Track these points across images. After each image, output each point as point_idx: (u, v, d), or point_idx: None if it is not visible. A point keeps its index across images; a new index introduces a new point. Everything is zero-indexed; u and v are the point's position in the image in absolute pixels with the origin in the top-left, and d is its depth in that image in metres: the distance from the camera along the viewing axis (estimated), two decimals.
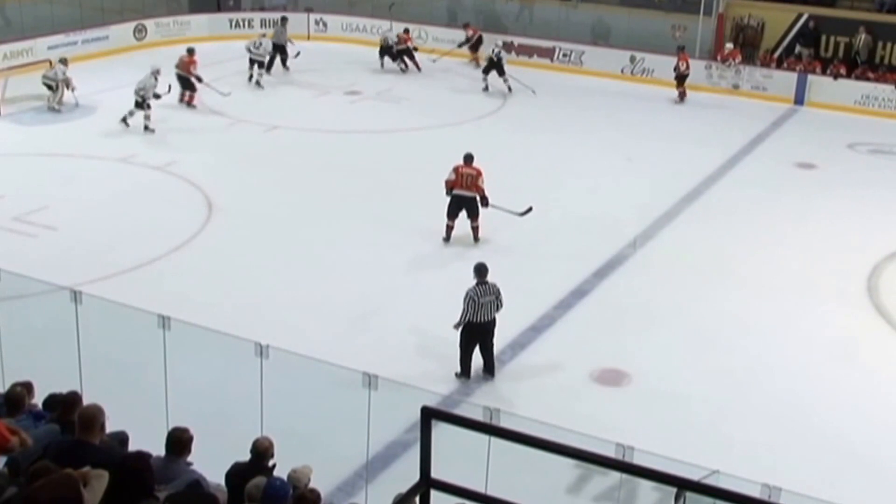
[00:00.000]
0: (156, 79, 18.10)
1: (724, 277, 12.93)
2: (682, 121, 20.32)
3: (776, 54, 22.91)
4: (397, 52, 23.67)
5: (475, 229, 13.22)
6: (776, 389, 10.34)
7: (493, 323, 10.04)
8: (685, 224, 14.79)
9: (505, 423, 4.95)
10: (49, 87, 19.03)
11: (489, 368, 10.20)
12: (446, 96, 21.69)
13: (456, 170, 13.11)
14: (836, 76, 21.66)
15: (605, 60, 23.61)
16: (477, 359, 10.21)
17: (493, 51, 21.90)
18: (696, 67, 22.41)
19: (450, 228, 13.19)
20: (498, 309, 10.05)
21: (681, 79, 21.65)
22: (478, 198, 13.14)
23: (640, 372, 10.52)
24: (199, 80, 19.43)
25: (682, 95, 21.68)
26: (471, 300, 9.86)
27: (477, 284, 9.98)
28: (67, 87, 19.04)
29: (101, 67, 21.57)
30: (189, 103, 19.49)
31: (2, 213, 14.06)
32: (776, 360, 10.95)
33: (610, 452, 5.36)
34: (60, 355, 8.70)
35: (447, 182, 13.08)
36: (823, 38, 22.58)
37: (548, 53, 24.46)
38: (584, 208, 15.08)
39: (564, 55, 24.29)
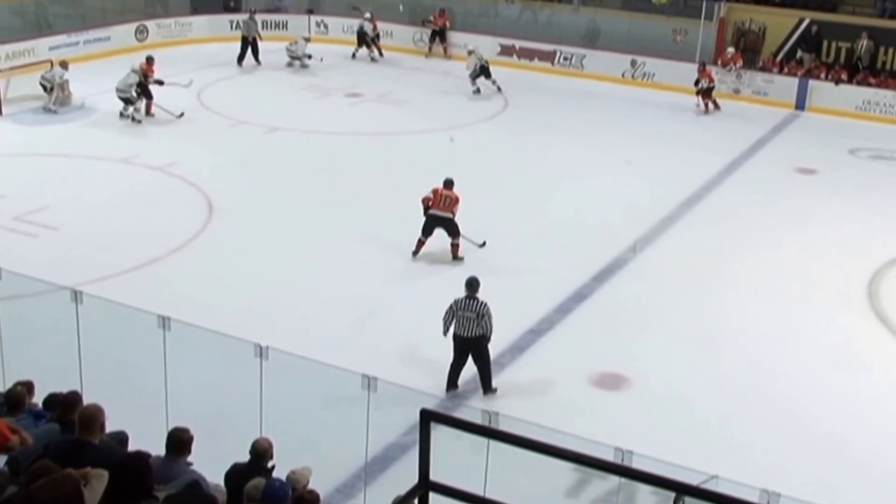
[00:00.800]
0: (137, 74, 18.50)
1: (723, 282, 12.94)
2: (683, 125, 20.33)
3: (778, 59, 22.91)
4: (371, 40, 24.72)
5: (454, 247, 13.15)
6: (776, 394, 10.34)
7: (477, 340, 9.79)
8: (685, 228, 14.80)
9: (503, 427, 4.97)
10: (45, 88, 19.06)
11: (485, 386, 9.99)
12: (447, 99, 21.68)
13: (435, 191, 13.06)
14: (837, 81, 21.68)
15: (606, 64, 23.61)
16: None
17: (479, 58, 21.95)
18: (695, 71, 22.44)
19: (421, 244, 13.11)
20: (485, 329, 9.78)
21: (706, 92, 21.26)
22: (454, 218, 13.06)
23: (640, 376, 10.53)
24: (160, 83, 19.20)
25: (713, 105, 21.26)
26: (449, 308, 9.85)
27: (465, 297, 9.85)
28: (63, 91, 19.07)
29: (103, 68, 21.55)
30: (148, 112, 18.99)
31: (3, 213, 14.07)
32: (776, 364, 10.95)
33: (609, 456, 5.38)
34: (61, 355, 8.71)
35: (424, 200, 13.03)
36: (825, 43, 22.59)
37: (548, 57, 24.46)
38: (584, 212, 15.09)
39: (565, 58, 24.30)
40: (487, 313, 9.79)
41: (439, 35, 25.25)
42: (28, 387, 7.35)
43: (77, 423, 5.81)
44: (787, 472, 8.73)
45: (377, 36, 25.06)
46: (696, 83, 21.25)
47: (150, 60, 19.61)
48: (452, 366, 9.97)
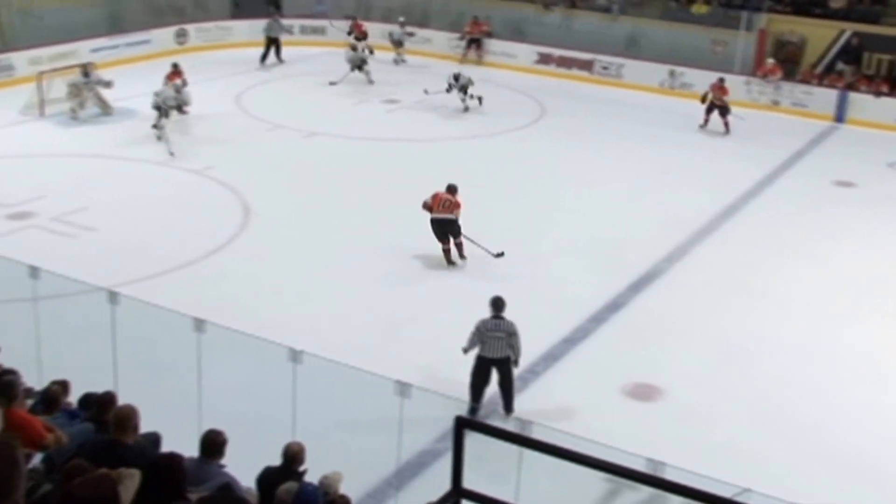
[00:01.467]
0: (177, 91, 18.59)
1: (759, 295, 12.81)
2: (720, 136, 20.17)
3: (817, 70, 22.67)
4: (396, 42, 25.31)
5: (459, 246, 13.17)
6: (808, 409, 10.21)
7: (504, 361, 9.57)
8: (721, 240, 14.68)
9: (536, 435, 4.93)
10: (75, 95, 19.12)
11: (506, 406, 9.71)
12: (485, 106, 21.66)
13: (435, 195, 13.14)
14: (877, 94, 21.42)
15: (644, 74, 23.53)
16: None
17: (461, 78, 21.17)
18: (736, 83, 22.25)
19: (447, 252, 13.15)
20: (514, 351, 9.59)
21: (722, 111, 20.25)
22: (455, 219, 13.04)
23: (673, 387, 10.45)
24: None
25: (725, 126, 20.26)
26: (477, 330, 9.56)
27: (491, 317, 9.63)
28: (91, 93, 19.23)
29: (143, 71, 21.82)
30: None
31: (42, 213, 14.27)
32: (809, 379, 10.82)
33: (640, 467, 5.32)
34: (96, 355, 8.80)
35: (424, 204, 13.10)
36: (866, 55, 22.34)
37: (587, 65, 24.41)
38: (620, 221, 15.01)
39: (604, 67, 24.23)
40: (516, 332, 9.60)
41: (476, 42, 25.56)
42: (64, 386, 7.44)
43: (112, 423, 5.85)
44: (816, 488, 8.62)
45: (403, 40, 25.44)
46: (704, 98, 20.32)
47: (176, 67, 19.79)
48: (476, 385, 9.58)
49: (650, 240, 14.30)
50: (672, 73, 23.33)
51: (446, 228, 13.08)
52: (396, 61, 25.23)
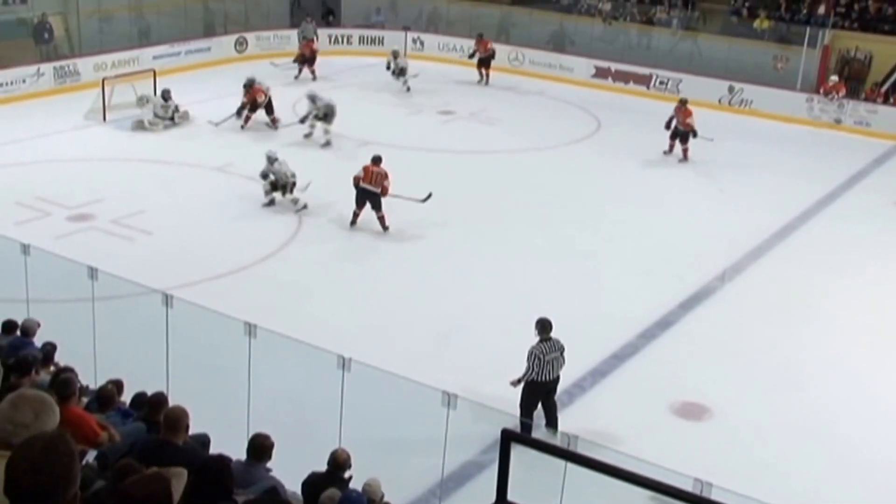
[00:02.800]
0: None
1: (813, 316, 12.61)
2: (779, 154, 19.87)
3: (883, 88, 22.23)
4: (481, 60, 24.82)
5: (381, 219, 14.42)
6: (861, 435, 10.00)
7: (557, 380, 9.52)
8: (776, 259, 14.48)
9: (582, 450, 4.92)
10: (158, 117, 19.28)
11: (552, 424, 9.51)
12: (539, 119, 21.68)
13: (365, 168, 14.42)
14: None
15: (703, 89, 23.22)
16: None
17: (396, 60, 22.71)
18: (798, 101, 21.93)
19: (356, 215, 14.56)
20: (561, 366, 9.55)
21: (682, 136, 18.67)
22: (381, 193, 14.35)
23: (722, 407, 10.31)
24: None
25: (684, 153, 18.80)
26: (536, 358, 9.29)
27: (540, 341, 9.40)
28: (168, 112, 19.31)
29: (203, 78, 22.17)
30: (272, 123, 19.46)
31: (101, 216, 14.56)
32: (862, 405, 10.60)
33: (687, 487, 5.26)
34: (150, 356, 8.95)
35: (355, 178, 14.38)
36: None
37: (644, 80, 24.25)
38: (674, 238, 14.88)
39: (661, 82, 24.04)
40: (564, 347, 9.49)
41: (484, 63, 24.54)
42: (118, 385, 7.58)
43: (162, 424, 5.94)
44: None
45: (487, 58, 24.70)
46: (668, 124, 18.90)
47: (249, 86, 19.30)
48: (529, 413, 9.37)
49: (704, 257, 14.15)
50: (731, 89, 23.06)
51: (371, 199, 14.38)
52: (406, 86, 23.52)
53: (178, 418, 5.86)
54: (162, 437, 5.87)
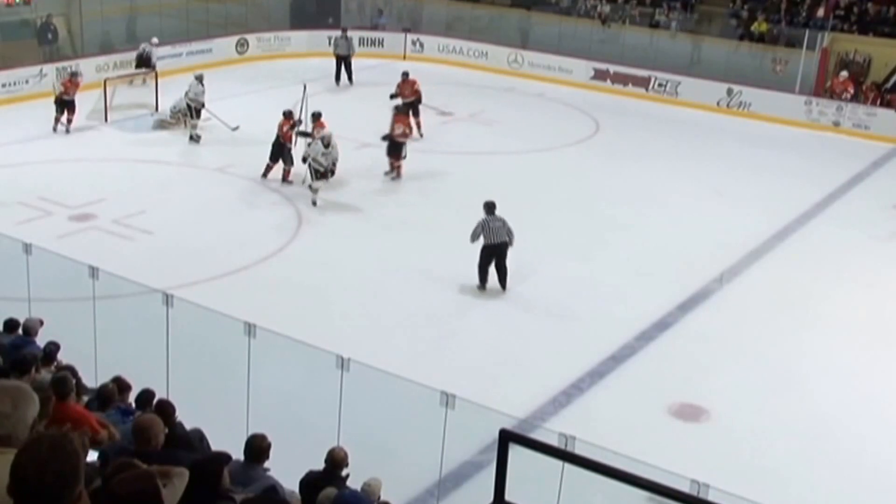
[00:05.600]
0: (201, 83, 18.59)
1: (811, 318, 12.64)
2: (777, 156, 19.90)
3: (882, 90, 22.25)
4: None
5: (286, 172, 16.23)
6: (859, 438, 10.05)
7: (504, 246, 12.62)
8: (774, 261, 14.51)
9: (580, 451, 4.95)
10: (190, 111, 18.70)
11: (503, 284, 12.72)
12: (538, 121, 21.71)
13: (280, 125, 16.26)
14: None
15: (702, 92, 23.30)
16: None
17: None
18: (797, 103, 21.96)
19: (269, 168, 16.41)
20: (510, 238, 12.58)
21: (394, 148, 17.01)
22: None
23: (719, 409, 10.35)
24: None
25: (397, 171, 17.12)
26: (481, 226, 12.57)
27: (486, 216, 12.64)
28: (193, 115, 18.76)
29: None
30: (285, 178, 16.71)
31: (102, 216, 14.60)
32: (859, 406, 10.64)
33: (684, 488, 5.30)
34: (150, 355, 8.99)
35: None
36: None
37: (643, 82, 24.29)
38: (672, 240, 14.91)
39: (660, 85, 24.08)
40: (506, 221, 12.62)
41: (412, 107, 19.33)
42: (118, 384, 7.61)
43: (132, 434, 5.75)
44: None
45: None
46: (387, 136, 17.23)
47: (288, 115, 16.85)
48: (484, 271, 12.55)
49: (701, 259, 14.18)
50: (730, 92, 23.08)
51: (278, 152, 16.21)
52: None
53: (146, 428, 5.65)
54: (135, 448, 5.73)
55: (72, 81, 18.89)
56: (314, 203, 15.62)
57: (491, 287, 12.92)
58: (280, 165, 16.55)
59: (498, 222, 12.58)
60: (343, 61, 23.71)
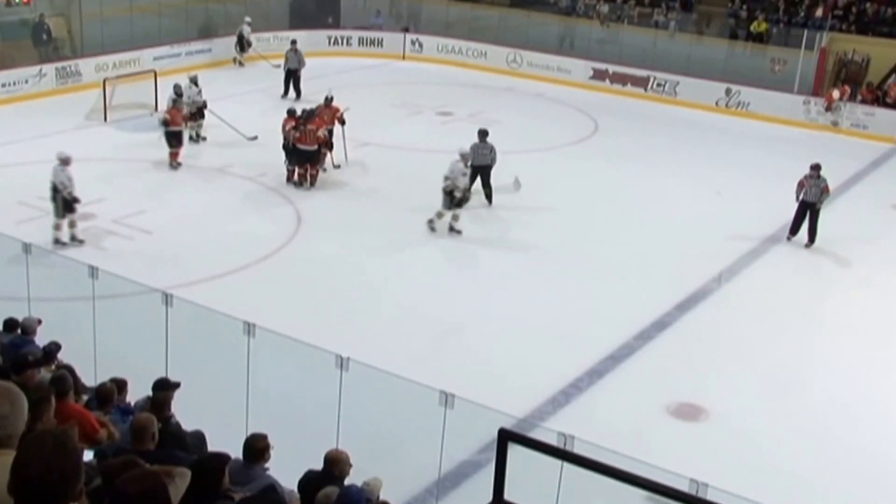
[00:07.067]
0: (195, 84, 18.53)
1: (809, 317, 12.67)
2: (776, 157, 19.89)
3: (881, 90, 22.27)
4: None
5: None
6: (857, 436, 10.07)
7: (488, 168, 15.45)
8: (772, 261, 14.53)
9: (578, 450, 4.96)
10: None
11: (489, 200, 15.57)
12: (538, 121, 21.72)
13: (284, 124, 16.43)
14: None
15: (700, 92, 23.34)
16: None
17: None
18: (795, 103, 21.99)
19: (291, 173, 16.37)
20: (492, 159, 15.46)
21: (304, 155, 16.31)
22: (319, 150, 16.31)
23: (718, 408, 10.37)
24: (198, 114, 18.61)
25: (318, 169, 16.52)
26: (473, 149, 15.08)
27: (479, 141, 15.45)
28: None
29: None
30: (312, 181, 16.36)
31: (102, 216, 14.60)
32: (857, 405, 10.67)
33: (683, 487, 5.31)
34: (149, 354, 8.99)
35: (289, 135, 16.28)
36: None
37: (642, 82, 24.31)
38: (671, 240, 14.93)
39: (659, 84, 24.10)
40: (494, 148, 15.55)
41: (331, 134, 17.17)
42: (118, 383, 7.61)
43: (131, 434, 5.84)
44: None
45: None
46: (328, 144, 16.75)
47: (292, 114, 16.77)
48: (470, 185, 14.84)
49: (700, 259, 14.20)
50: (728, 92, 23.10)
51: (307, 158, 16.35)
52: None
53: (143, 427, 5.74)
54: (133, 447, 5.73)
55: (177, 109, 17.05)
56: (458, 231, 14.45)
57: (491, 287, 12.95)
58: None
59: (486, 149, 15.35)
60: (292, 75, 22.35)
